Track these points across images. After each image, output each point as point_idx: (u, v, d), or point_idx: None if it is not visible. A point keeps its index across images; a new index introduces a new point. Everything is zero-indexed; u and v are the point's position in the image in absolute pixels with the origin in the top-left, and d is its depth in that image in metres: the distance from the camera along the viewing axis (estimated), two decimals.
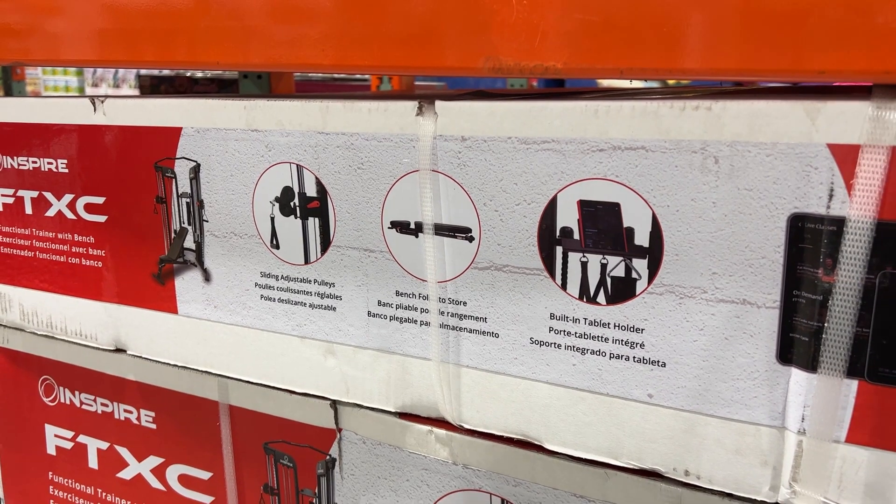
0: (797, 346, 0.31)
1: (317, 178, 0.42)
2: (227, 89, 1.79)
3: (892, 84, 0.29)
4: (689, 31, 0.30)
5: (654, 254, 0.34)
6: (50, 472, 0.60)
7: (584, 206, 0.35)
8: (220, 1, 0.41)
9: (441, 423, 0.42)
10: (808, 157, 0.30)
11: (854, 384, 0.31)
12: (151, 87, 2.01)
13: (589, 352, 0.36)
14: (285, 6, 0.39)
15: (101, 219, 0.51)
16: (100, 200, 0.51)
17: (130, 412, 0.55)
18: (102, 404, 0.56)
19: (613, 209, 0.34)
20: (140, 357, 0.52)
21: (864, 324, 0.30)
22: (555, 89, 0.74)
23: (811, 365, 0.31)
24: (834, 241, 0.30)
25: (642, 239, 0.34)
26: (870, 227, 0.29)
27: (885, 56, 0.27)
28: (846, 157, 0.29)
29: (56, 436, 0.59)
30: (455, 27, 0.35)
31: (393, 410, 0.43)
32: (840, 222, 0.29)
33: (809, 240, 0.30)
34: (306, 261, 0.44)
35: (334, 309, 0.44)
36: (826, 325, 0.30)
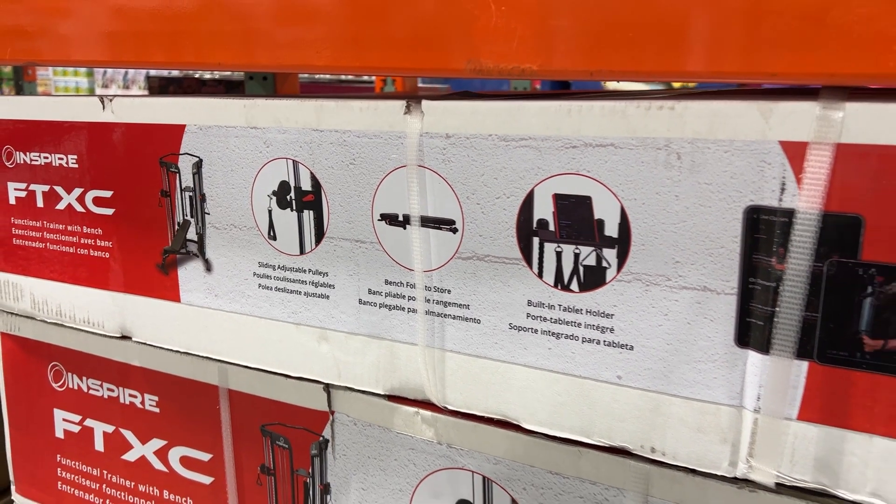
0: (753, 329, 0.34)
1: (311, 172, 0.44)
2: (235, 90, 1.82)
3: (837, 86, 0.31)
4: (653, 38, 0.33)
5: (622, 244, 0.36)
6: (58, 455, 0.63)
7: (559, 199, 0.37)
8: (222, 4, 0.44)
9: (427, 404, 0.44)
10: (762, 153, 0.32)
11: (805, 365, 0.33)
12: (160, 89, 2.04)
13: (563, 336, 0.39)
14: (286, 10, 0.42)
15: (109, 212, 0.54)
16: (107, 194, 0.54)
17: (135, 396, 0.57)
18: (108, 389, 0.58)
19: (585, 202, 0.37)
20: (145, 344, 0.55)
21: (814, 309, 0.32)
22: (556, 91, 0.76)
23: (765, 347, 0.33)
24: (785, 232, 0.32)
25: (612, 230, 0.36)
26: (816, 218, 0.31)
27: (831, 60, 0.30)
28: (796, 153, 0.31)
29: (64, 420, 0.62)
30: (440, 32, 0.38)
31: (382, 393, 0.46)
32: (791, 214, 0.32)
33: (764, 230, 0.33)
34: (301, 251, 0.46)
35: (328, 297, 0.46)
36: (777, 309, 0.32)
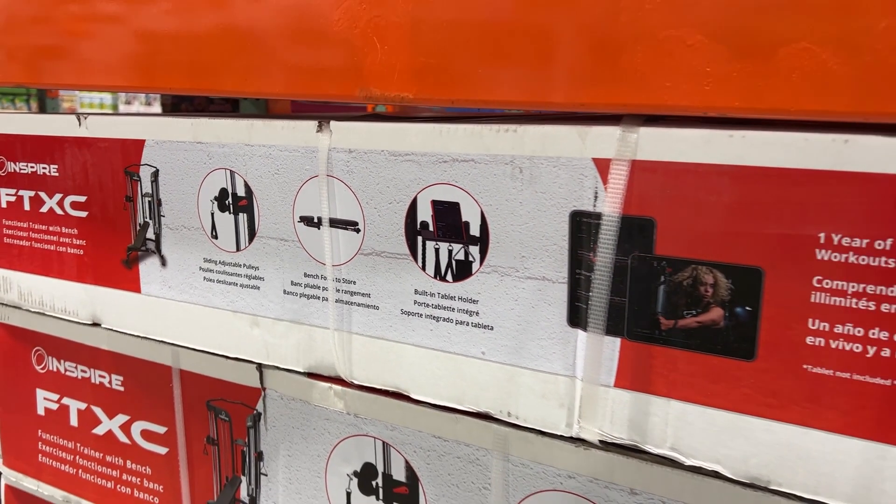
0: (580, 312, 0.41)
1: (245, 181, 0.52)
2: (236, 107, 1.91)
3: (633, 114, 0.38)
4: (499, 74, 0.40)
5: (483, 242, 0.44)
6: (39, 430, 0.71)
7: (436, 205, 0.45)
8: (232, 36, 0.52)
9: (338, 380, 0.52)
10: (580, 167, 0.40)
11: (618, 341, 0.40)
12: (172, 106, 2.15)
13: (441, 319, 0.46)
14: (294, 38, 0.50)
15: (83, 214, 0.62)
16: (82, 199, 0.62)
17: (104, 377, 0.65)
18: (82, 371, 0.67)
19: (455, 207, 0.44)
20: (112, 330, 0.63)
21: (622, 294, 0.39)
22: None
23: (586, 326, 0.41)
24: (598, 231, 0.39)
25: (475, 230, 0.44)
26: (618, 220, 0.38)
27: (625, 93, 0.37)
28: (604, 167, 0.39)
29: (45, 399, 0.70)
30: (339, 67, 0.45)
31: (302, 371, 0.53)
32: (601, 217, 0.39)
33: (584, 230, 0.40)
34: (237, 248, 0.54)
35: (258, 288, 0.54)
36: (592, 294, 0.40)
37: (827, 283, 0.34)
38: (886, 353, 0.34)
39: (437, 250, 0.46)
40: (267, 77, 0.49)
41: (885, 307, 0.33)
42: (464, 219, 0.44)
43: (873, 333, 0.34)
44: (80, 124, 0.60)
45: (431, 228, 0.45)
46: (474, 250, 0.44)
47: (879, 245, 0.33)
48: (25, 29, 0.60)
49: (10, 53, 0.61)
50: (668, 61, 0.36)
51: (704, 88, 0.35)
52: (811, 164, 0.34)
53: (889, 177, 0.32)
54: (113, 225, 0.61)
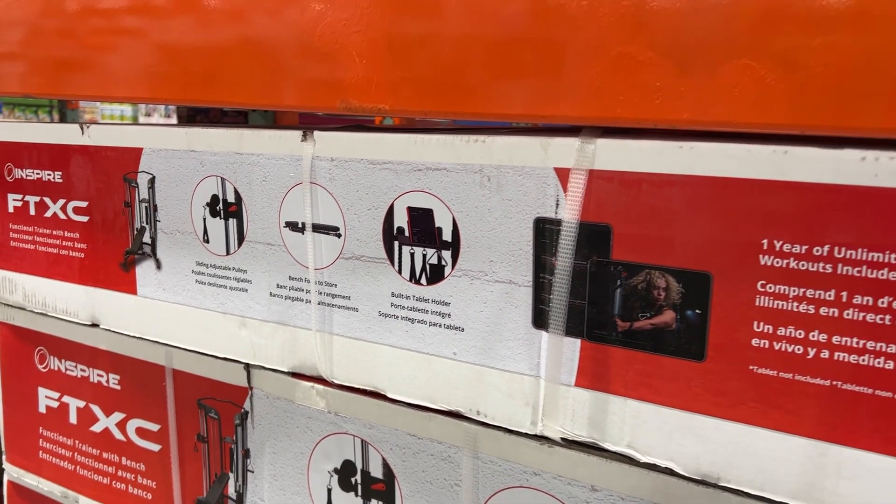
0: (543, 314, 0.43)
1: (235, 187, 0.55)
2: (245, 119, 1.96)
3: (591, 125, 0.40)
4: (467, 88, 0.42)
5: (454, 247, 0.46)
6: (41, 427, 0.74)
7: (411, 211, 0.47)
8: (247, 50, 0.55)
9: (320, 380, 0.54)
10: (543, 176, 0.42)
11: (578, 342, 0.42)
12: (188, 118, 2.19)
13: (416, 321, 0.48)
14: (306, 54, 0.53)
15: (85, 219, 0.65)
16: (84, 204, 0.65)
17: (102, 376, 0.68)
18: (81, 370, 0.69)
19: (429, 214, 0.47)
20: (110, 330, 0.65)
21: (582, 297, 0.41)
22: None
23: (548, 328, 0.42)
24: (559, 237, 0.41)
25: (447, 236, 0.46)
26: (576, 226, 0.40)
27: (584, 107, 0.39)
28: (565, 176, 0.41)
29: (46, 397, 0.73)
30: (322, 79, 0.48)
31: (287, 371, 0.55)
32: (562, 223, 0.41)
33: (547, 236, 0.42)
34: (227, 252, 0.57)
35: (246, 290, 0.56)
36: (553, 297, 0.42)
37: (770, 288, 0.36)
38: (825, 354, 0.35)
39: (412, 255, 0.48)
40: (264, 89, 0.52)
41: (823, 311, 0.35)
42: (437, 224, 0.46)
43: (813, 336, 0.35)
44: (82, 133, 0.63)
45: (407, 234, 0.48)
46: (446, 255, 0.46)
47: (818, 251, 0.35)
48: (48, 41, 0.63)
49: (34, 65, 0.64)
50: (622, 76, 0.38)
51: (655, 102, 0.37)
52: (753, 174, 0.36)
53: (824, 186, 0.34)
54: (112, 229, 0.63)
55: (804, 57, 0.33)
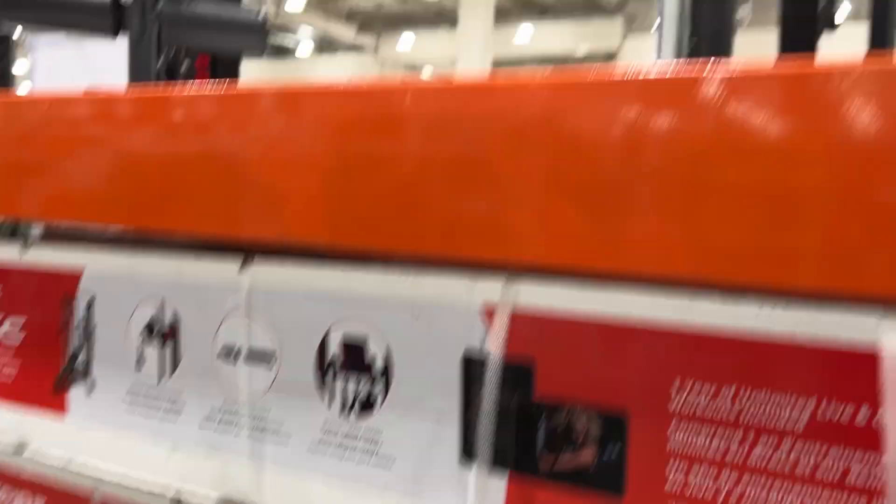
0: (471, 450, 0.44)
1: (173, 312, 0.55)
2: None
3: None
4: (399, 226, 0.44)
5: (386, 378, 0.47)
6: None
7: (345, 342, 0.48)
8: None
9: None
10: (471, 314, 0.43)
11: (504, 479, 0.43)
12: None
13: (347, 453, 0.48)
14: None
15: (22, 335, 0.64)
16: (21, 321, 0.64)
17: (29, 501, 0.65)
18: (4, 495, 0.66)
19: (362, 345, 0.48)
20: (36, 456, 0.64)
21: (507, 434, 0.42)
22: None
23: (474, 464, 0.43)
24: (485, 374, 0.43)
25: (380, 367, 0.47)
26: (500, 364, 0.42)
27: (507, 250, 0.41)
28: (490, 315, 0.43)
29: None
30: (265, 215, 0.50)
31: (218, 499, 0.54)
32: (486, 359, 0.42)
33: (474, 372, 0.43)
34: (160, 378, 0.56)
35: (179, 414, 0.56)
36: (478, 434, 0.42)
37: (683, 425, 0.38)
38: (726, 496, 0.36)
39: (344, 386, 0.48)
40: (198, 217, 0.53)
41: (730, 455, 0.37)
42: (370, 354, 0.47)
43: (724, 476, 0.37)
44: (23, 253, 0.64)
45: (339, 365, 0.48)
46: (378, 387, 0.47)
47: (725, 393, 0.37)
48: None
49: None
50: (543, 225, 0.40)
51: (571, 249, 0.39)
52: (663, 319, 0.38)
53: (727, 332, 0.36)
54: (47, 348, 0.63)
55: (704, 214, 0.36)
